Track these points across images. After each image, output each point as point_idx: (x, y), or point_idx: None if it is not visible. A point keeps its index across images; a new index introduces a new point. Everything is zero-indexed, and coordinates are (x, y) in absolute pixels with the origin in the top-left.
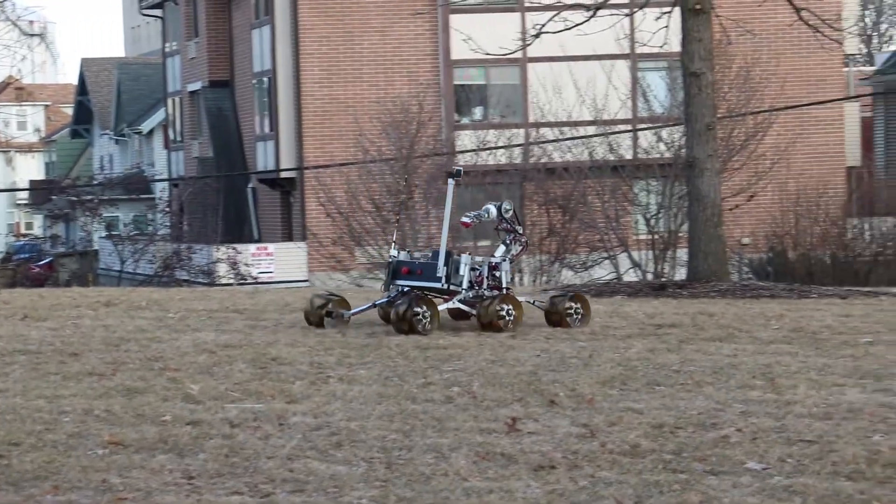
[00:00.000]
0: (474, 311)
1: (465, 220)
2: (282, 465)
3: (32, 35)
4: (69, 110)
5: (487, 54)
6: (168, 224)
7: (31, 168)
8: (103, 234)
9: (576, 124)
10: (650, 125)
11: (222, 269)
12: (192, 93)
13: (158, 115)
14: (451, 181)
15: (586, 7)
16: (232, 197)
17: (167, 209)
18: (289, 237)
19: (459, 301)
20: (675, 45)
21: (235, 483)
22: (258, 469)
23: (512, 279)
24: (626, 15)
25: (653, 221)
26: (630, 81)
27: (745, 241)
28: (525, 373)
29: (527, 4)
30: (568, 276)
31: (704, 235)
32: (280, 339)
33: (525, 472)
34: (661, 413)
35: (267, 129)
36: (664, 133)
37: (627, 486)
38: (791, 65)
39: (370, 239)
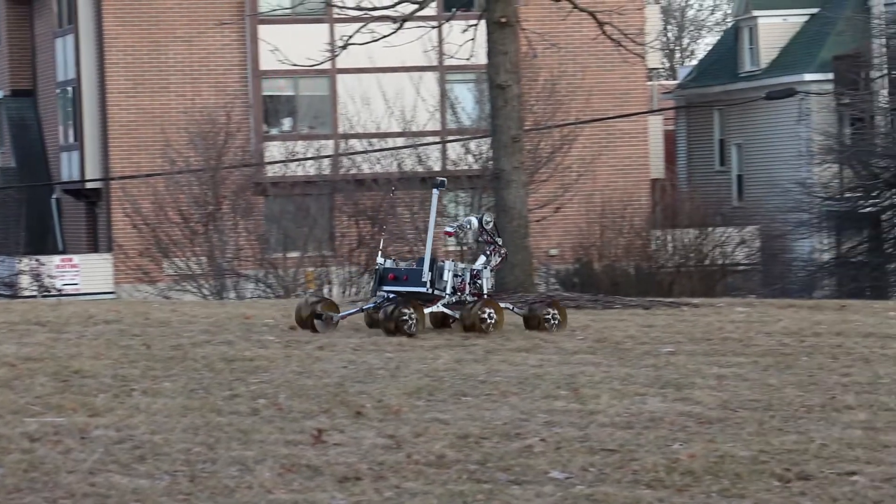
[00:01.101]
0: (457, 315)
1: (448, 229)
2: (83, 480)
3: None
4: None
5: (295, 65)
6: None
7: None
8: None
9: (385, 136)
10: (458, 137)
11: (25, 281)
12: None
13: None
14: (434, 191)
15: (393, 19)
16: (35, 208)
17: None
18: (94, 249)
19: (443, 305)
20: (482, 58)
21: (34, 498)
22: (58, 484)
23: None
24: (434, 27)
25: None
26: (438, 93)
27: (553, 252)
28: (332, 384)
29: (335, 15)
30: None
31: (511, 247)
32: (83, 351)
33: (330, 483)
34: (467, 423)
35: (71, 139)
36: (472, 145)
37: (432, 497)
38: (596, 78)
39: (177, 250)
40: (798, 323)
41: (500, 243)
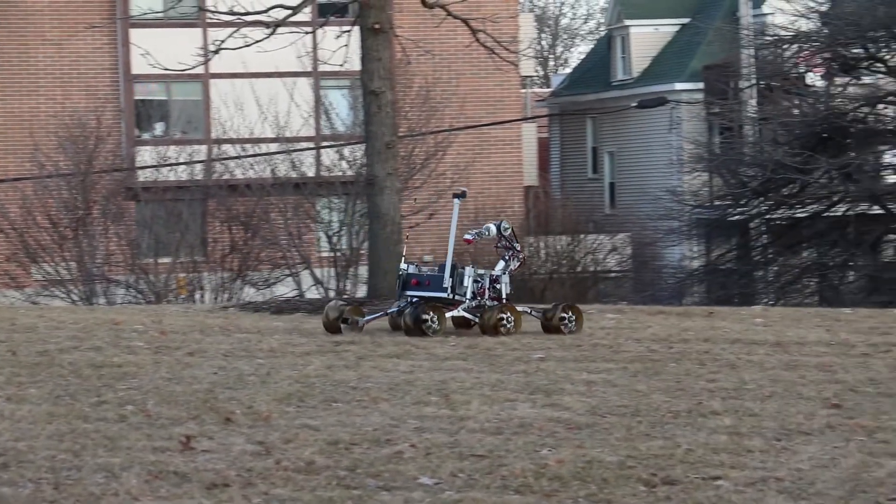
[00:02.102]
0: (477, 319)
1: (467, 237)
2: None
3: None
4: None
5: (166, 69)
6: None
7: None
8: None
9: (258, 141)
10: (332, 143)
11: None
12: None
13: None
14: (455, 201)
15: (266, 24)
16: None
17: None
18: None
19: (464, 310)
20: (356, 64)
21: None
22: None
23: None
24: (307, 33)
25: (335, 239)
26: (313, 99)
27: (427, 258)
28: (202, 390)
29: (208, 20)
30: (250, 294)
31: (384, 253)
32: None
33: (198, 490)
34: (337, 429)
35: None
36: (346, 151)
37: (301, 503)
38: (470, 85)
39: (46, 256)
40: (667, 329)
41: (519, 248)
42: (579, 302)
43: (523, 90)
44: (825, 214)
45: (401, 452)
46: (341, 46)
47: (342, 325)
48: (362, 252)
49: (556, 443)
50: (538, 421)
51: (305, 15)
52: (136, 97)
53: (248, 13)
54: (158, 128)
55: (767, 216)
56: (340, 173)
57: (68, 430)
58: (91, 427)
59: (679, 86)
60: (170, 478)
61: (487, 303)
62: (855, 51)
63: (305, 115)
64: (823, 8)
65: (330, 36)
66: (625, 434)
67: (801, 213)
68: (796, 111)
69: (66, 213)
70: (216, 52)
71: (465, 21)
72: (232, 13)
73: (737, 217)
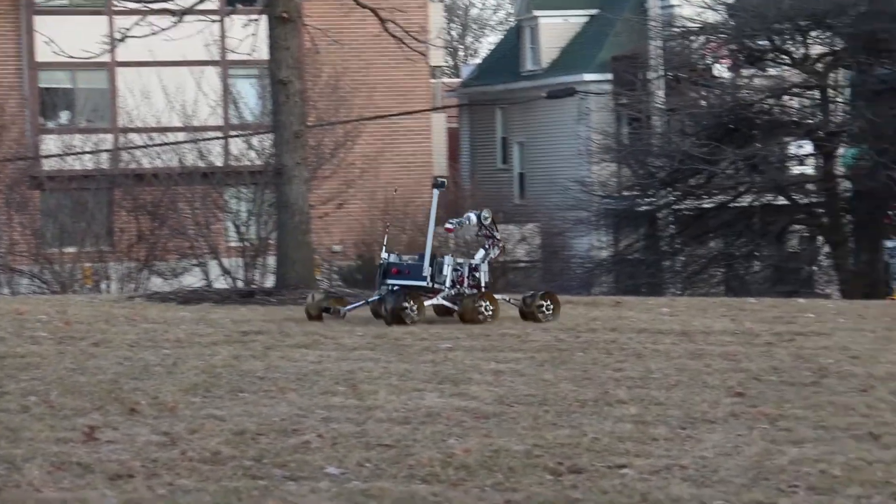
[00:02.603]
0: (456, 308)
1: (448, 225)
2: None
3: None
4: None
5: (71, 57)
6: None
7: None
8: None
9: (165, 130)
10: (240, 132)
11: None
12: None
13: None
14: (435, 191)
15: (173, 13)
16: None
17: None
18: None
19: (443, 298)
20: (264, 53)
21: None
22: None
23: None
24: (214, 21)
25: (243, 229)
26: (220, 88)
27: (336, 248)
28: (106, 381)
29: (114, 8)
30: (157, 283)
31: (292, 243)
32: None
33: (101, 481)
34: (244, 420)
35: None
36: (254, 140)
37: (206, 494)
38: (380, 75)
39: None
40: (574, 319)
41: (499, 237)
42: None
43: (433, 80)
44: (731, 205)
45: (308, 442)
46: (249, 35)
47: (324, 314)
48: (271, 242)
49: (463, 432)
50: (445, 410)
51: (213, 3)
52: (41, 85)
53: (154, 0)
54: (64, 116)
55: (675, 206)
56: (249, 163)
57: None
58: None
59: (588, 76)
60: (73, 469)
61: (466, 291)
62: (761, 43)
63: (213, 105)
64: (730, 0)
65: (238, 24)
66: (531, 423)
67: (707, 204)
68: (703, 102)
69: None
70: (122, 40)
71: (373, 10)
72: (138, 1)
73: (645, 207)
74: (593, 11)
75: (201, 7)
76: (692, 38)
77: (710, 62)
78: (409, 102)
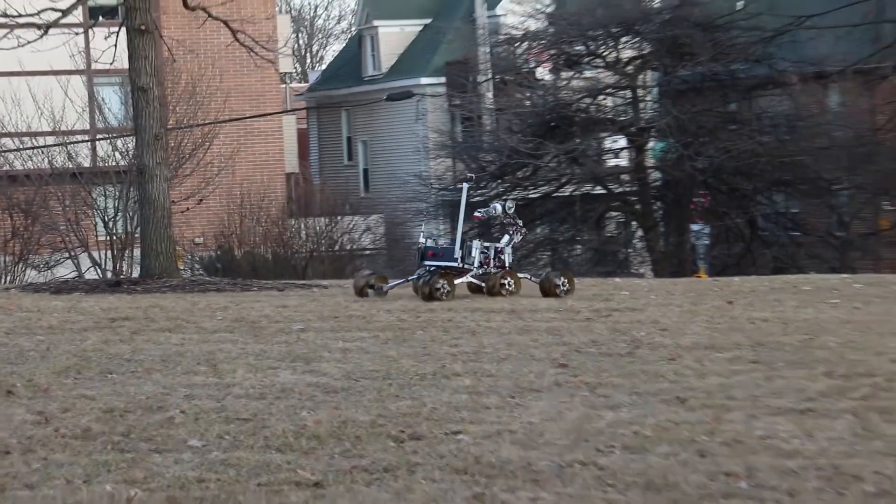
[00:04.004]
0: (483, 284)
1: (477, 214)
2: None
3: None
4: None
5: None
6: None
7: None
8: None
9: (36, 134)
10: (106, 136)
11: None
12: None
13: None
14: (464, 185)
15: (38, 26)
16: None
17: None
18: None
19: (472, 277)
20: (125, 62)
21: None
22: None
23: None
24: (78, 34)
25: (111, 224)
26: (86, 95)
27: (198, 240)
28: None
29: None
30: (32, 276)
31: (155, 236)
32: None
33: None
34: (113, 399)
35: None
36: (119, 143)
37: (78, 467)
38: (234, 81)
39: None
40: (414, 300)
41: (521, 224)
42: (337, 277)
43: (283, 85)
44: (555, 195)
45: (172, 418)
46: (110, 46)
47: (369, 291)
48: (136, 236)
49: (314, 405)
50: (298, 386)
51: (76, 17)
52: None
53: (20, 15)
54: None
55: (505, 197)
56: (114, 163)
57: None
58: None
59: (424, 80)
60: None
61: (492, 270)
62: (578, 48)
63: (80, 110)
64: (549, 10)
65: (100, 36)
66: (376, 396)
67: (534, 194)
68: (528, 102)
69: None
70: None
71: (225, 22)
72: (5, 15)
73: (477, 198)
74: (427, 20)
75: (65, 21)
76: (516, 44)
77: (532, 66)
78: (262, 106)
